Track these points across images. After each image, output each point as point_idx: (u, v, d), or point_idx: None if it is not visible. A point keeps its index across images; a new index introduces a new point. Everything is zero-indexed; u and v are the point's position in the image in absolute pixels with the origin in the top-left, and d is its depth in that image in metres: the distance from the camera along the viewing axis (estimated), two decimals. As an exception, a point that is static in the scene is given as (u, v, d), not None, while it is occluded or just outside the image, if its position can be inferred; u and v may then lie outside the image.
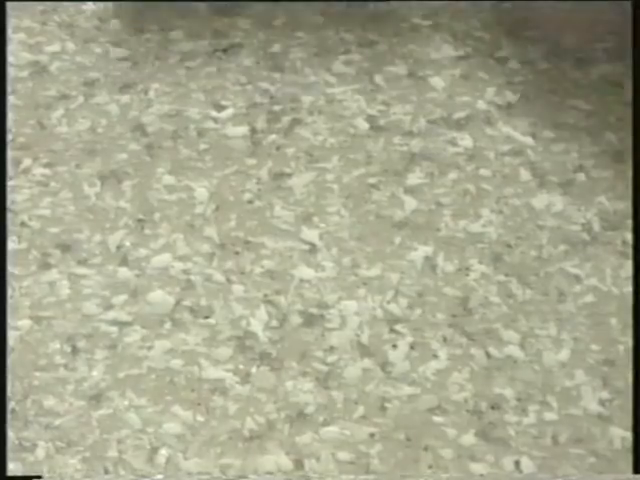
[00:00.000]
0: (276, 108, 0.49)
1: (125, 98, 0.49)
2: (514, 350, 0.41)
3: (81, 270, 0.43)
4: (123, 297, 0.42)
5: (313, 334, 0.41)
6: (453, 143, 0.48)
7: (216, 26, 0.51)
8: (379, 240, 0.44)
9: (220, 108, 0.49)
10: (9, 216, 0.45)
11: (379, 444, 0.38)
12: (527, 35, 0.50)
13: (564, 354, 0.41)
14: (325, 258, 0.43)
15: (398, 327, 0.41)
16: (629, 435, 0.38)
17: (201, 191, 0.47)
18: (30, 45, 0.50)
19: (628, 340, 0.41)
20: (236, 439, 0.38)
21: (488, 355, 0.40)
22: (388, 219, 0.45)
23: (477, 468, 0.39)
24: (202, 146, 0.48)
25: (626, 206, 0.45)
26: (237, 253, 0.44)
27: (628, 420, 0.39)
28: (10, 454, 0.37)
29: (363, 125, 0.48)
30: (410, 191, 0.46)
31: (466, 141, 0.47)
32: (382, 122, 0.48)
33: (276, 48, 0.50)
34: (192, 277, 0.43)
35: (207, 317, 0.42)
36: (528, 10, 0.51)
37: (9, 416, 0.38)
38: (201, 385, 0.39)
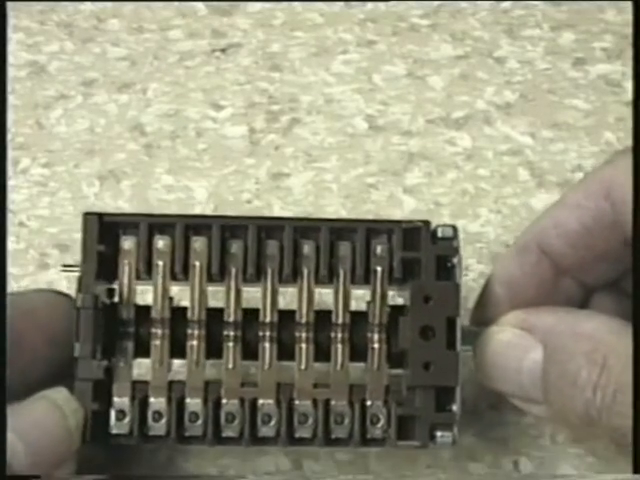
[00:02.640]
0: (275, 108, 0.49)
1: (124, 98, 0.49)
2: (513, 350, 0.40)
3: (79, 270, 0.43)
4: (122, 297, 0.42)
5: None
6: (452, 143, 0.47)
7: (215, 25, 0.51)
8: (378, 240, 0.44)
9: (219, 108, 0.49)
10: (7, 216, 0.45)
11: (378, 444, 0.38)
12: (526, 35, 0.50)
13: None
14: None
15: (397, 327, 0.41)
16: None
17: (200, 191, 0.47)
18: (28, 45, 0.50)
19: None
20: (235, 439, 0.38)
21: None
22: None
23: (476, 468, 0.39)
24: (201, 146, 0.48)
25: (625, 206, 0.45)
26: (236, 253, 0.44)
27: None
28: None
29: (362, 125, 0.48)
30: (409, 191, 0.46)
31: (465, 141, 0.47)
32: (381, 122, 0.48)
33: (275, 48, 0.50)
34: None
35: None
36: (527, 9, 0.51)
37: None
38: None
